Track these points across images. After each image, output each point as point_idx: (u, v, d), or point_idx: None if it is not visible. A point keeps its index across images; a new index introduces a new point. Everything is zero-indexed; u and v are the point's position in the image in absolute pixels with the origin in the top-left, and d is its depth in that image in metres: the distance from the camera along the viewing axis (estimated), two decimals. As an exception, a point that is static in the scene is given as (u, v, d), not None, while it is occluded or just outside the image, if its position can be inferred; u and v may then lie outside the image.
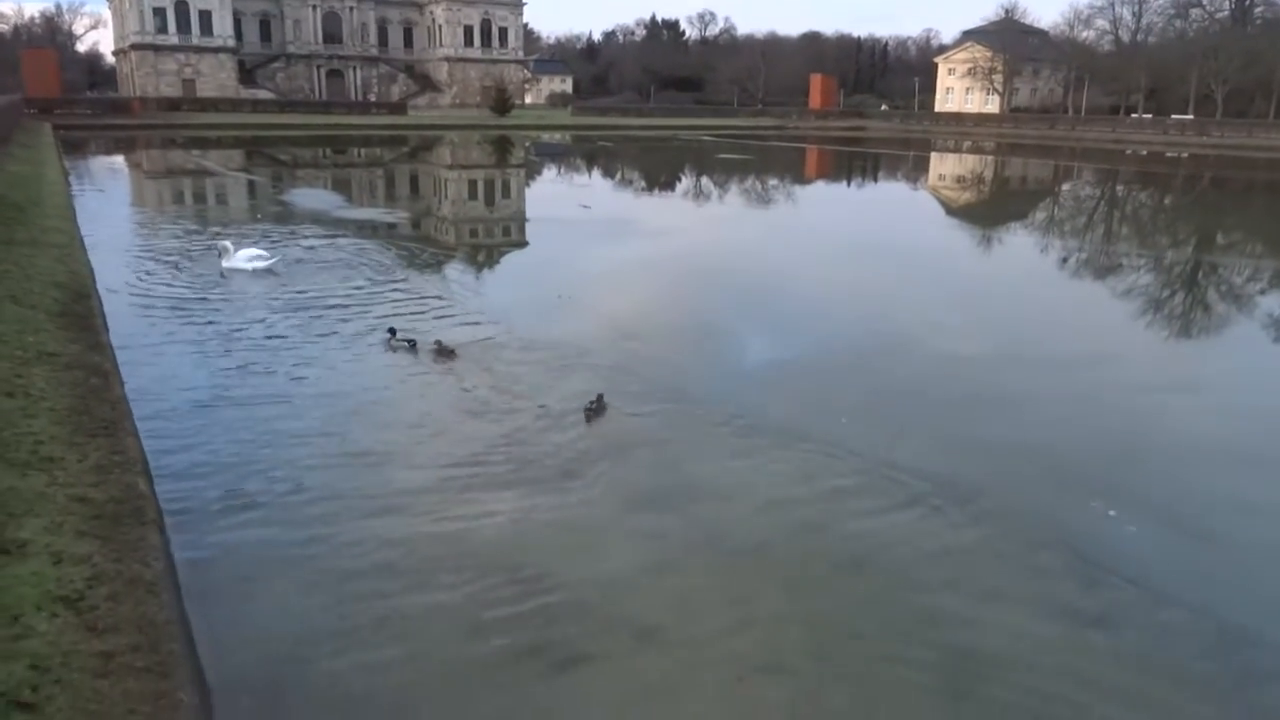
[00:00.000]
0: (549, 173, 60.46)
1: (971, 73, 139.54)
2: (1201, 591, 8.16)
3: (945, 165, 74.87)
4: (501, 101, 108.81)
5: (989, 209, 46.25)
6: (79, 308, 13.58)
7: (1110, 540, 9.17)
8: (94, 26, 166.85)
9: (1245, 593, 8.24)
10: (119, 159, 61.92)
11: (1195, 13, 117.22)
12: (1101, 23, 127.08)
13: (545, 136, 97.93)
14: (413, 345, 14.26)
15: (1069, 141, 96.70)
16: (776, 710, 6.44)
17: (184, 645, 5.99)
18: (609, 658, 7.00)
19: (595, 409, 12.26)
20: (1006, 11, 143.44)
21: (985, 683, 6.83)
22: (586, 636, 7.19)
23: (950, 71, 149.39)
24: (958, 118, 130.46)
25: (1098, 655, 7.24)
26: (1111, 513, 9.83)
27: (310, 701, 6.25)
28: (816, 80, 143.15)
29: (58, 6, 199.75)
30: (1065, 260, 27.83)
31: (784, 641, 7.27)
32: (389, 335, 14.56)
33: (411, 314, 16.79)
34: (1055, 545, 9.02)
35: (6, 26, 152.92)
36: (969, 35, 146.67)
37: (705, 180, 55.73)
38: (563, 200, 41.64)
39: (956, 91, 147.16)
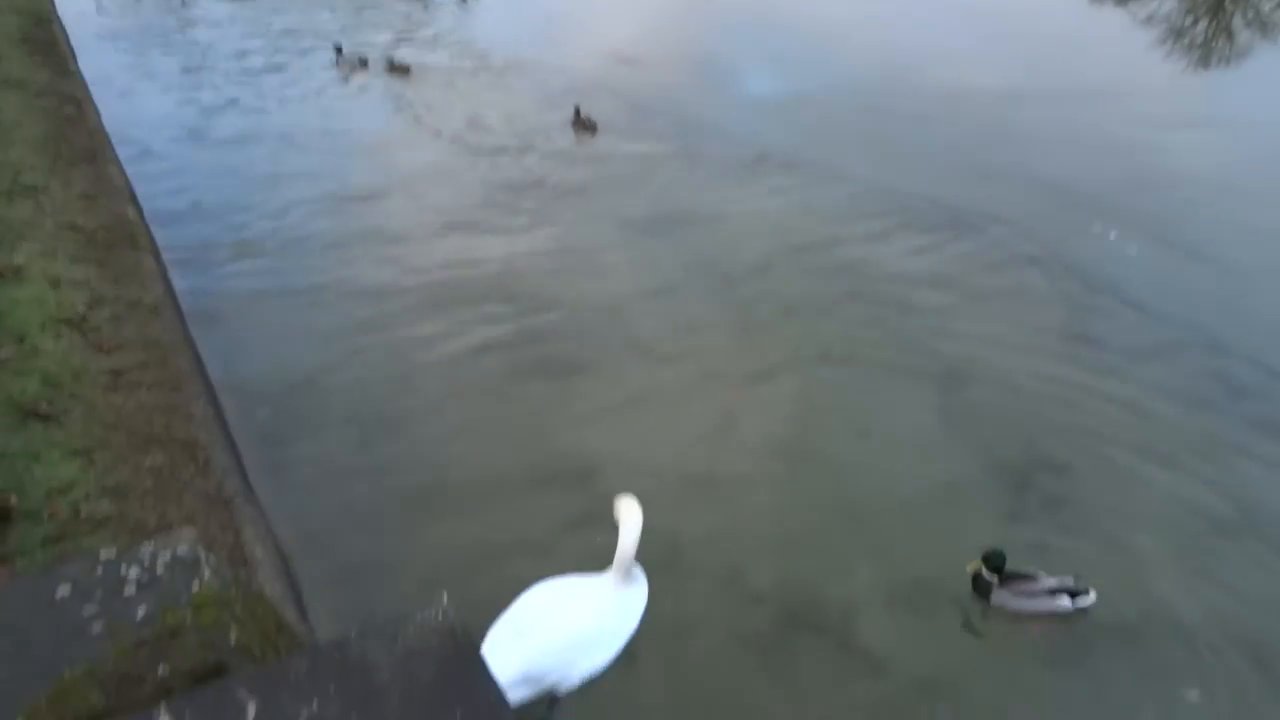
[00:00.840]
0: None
1: None
2: (1195, 310, 8.23)
3: None
4: None
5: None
6: (41, 33, 12.78)
7: (1109, 262, 9.16)
8: None
9: (1237, 312, 8.31)
10: None
11: None
12: None
13: None
14: (364, 63, 13.91)
15: None
16: (767, 408, 6.68)
17: (192, 363, 6.10)
18: (605, 369, 7.17)
19: (581, 124, 11.97)
20: None
21: (975, 390, 7.04)
22: (584, 352, 7.34)
23: None
24: None
25: (1087, 367, 7.41)
26: (1112, 236, 9.76)
27: (323, 414, 6.46)
28: None
29: None
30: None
31: (777, 354, 7.42)
32: (336, 53, 14.09)
33: (394, 38, 15.88)
34: (1054, 265, 9.02)
35: None
36: None
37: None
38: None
39: None
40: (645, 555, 4.99)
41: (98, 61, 13.72)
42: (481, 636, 2.96)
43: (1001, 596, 5.04)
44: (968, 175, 11.03)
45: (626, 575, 4.43)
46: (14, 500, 4.15)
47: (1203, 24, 21.20)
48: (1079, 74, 15.68)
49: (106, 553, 3.11)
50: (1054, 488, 6.08)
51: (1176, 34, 19.78)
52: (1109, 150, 12.12)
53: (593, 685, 4.37)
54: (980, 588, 5.08)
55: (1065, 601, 5.02)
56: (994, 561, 5.00)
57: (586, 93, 13.22)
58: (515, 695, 4.09)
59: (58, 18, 14.86)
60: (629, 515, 4.36)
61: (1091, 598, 5.06)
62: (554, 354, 7.27)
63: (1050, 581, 5.05)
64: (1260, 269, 9.13)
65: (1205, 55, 18.50)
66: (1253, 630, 5.11)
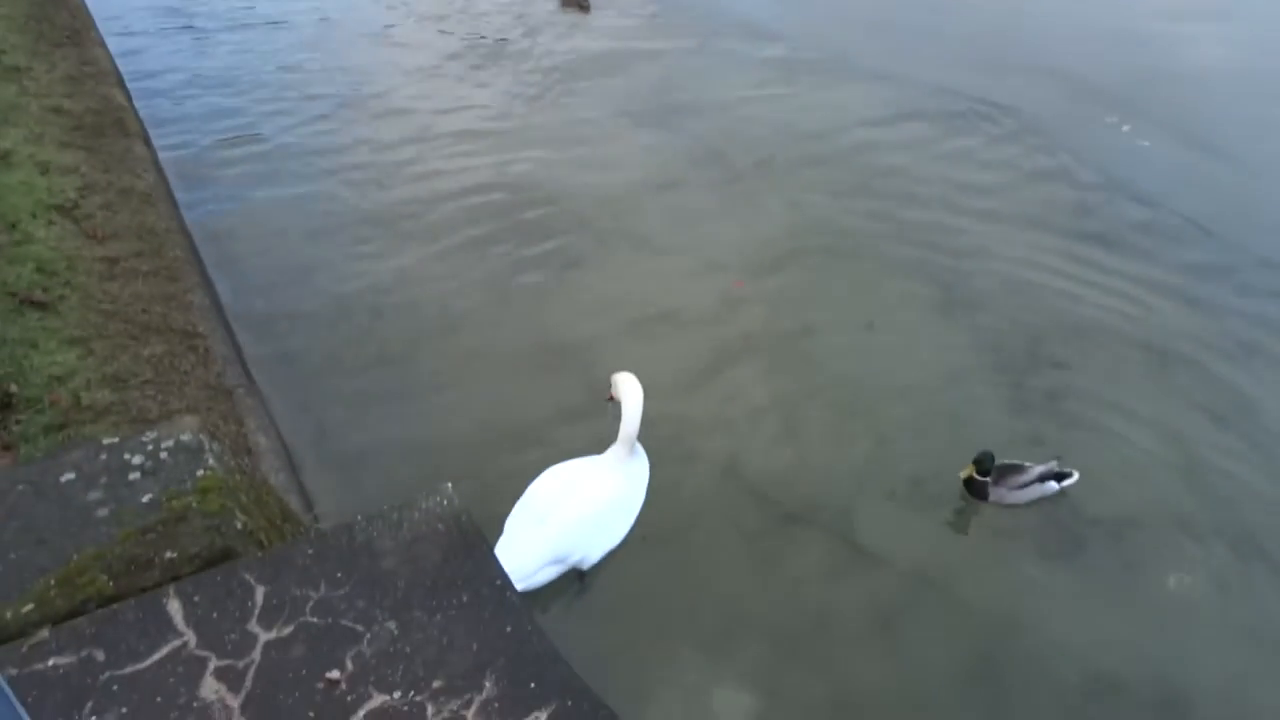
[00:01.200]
0: None
1: None
2: (1205, 205, 8.11)
3: None
4: None
5: None
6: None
7: (1121, 154, 8.98)
8: None
9: (1248, 207, 8.19)
10: None
11: None
12: None
13: None
14: None
15: None
16: (770, 300, 6.64)
17: (188, 252, 6.02)
18: (606, 262, 7.09)
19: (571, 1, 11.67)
20: None
21: (980, 282, 6.98)
22: (584, 244, 7.24)
23: None
24: None
25: (1094, 262, 7.34)
26: (1125, 129, 9.55)
27: (322, 307, 6.41)
28: None
29: None
30: None
31: (781, 246, 7.33)
32: None
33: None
34: (1065, 158, 8.85)
35: None
36: None
37: None
38: None
39: None
40: (646, 445, 5.04)
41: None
42: (487, 523, 3.00)
43: (998, 493, 5.13)
44: (980, 67, 10.72)
45: (630, 450, 4.66)
46: (14, 388, 4.13)
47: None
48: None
49: (110, 440, 3.11)
50: (1055, 381, 6.09)
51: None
52: (1123, 42, 11.77)
53: (614, 564, 4.47)
54: (975, 490, 5.14)
55: (1053, 484, 5.17)
56: (985, 465, 5.05)
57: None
58: (545, 576, 4.30)
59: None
60: (630, 391, 4.56)
61: (1074, 478, 5.22)
62: (554, 247, 7.17)
63: (1038, 469, 5.15)
64: (1272, 164, 8.96)
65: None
66: (1239, 522, 5.19)
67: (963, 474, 5.16)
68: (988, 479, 5.10)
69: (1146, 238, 7.65)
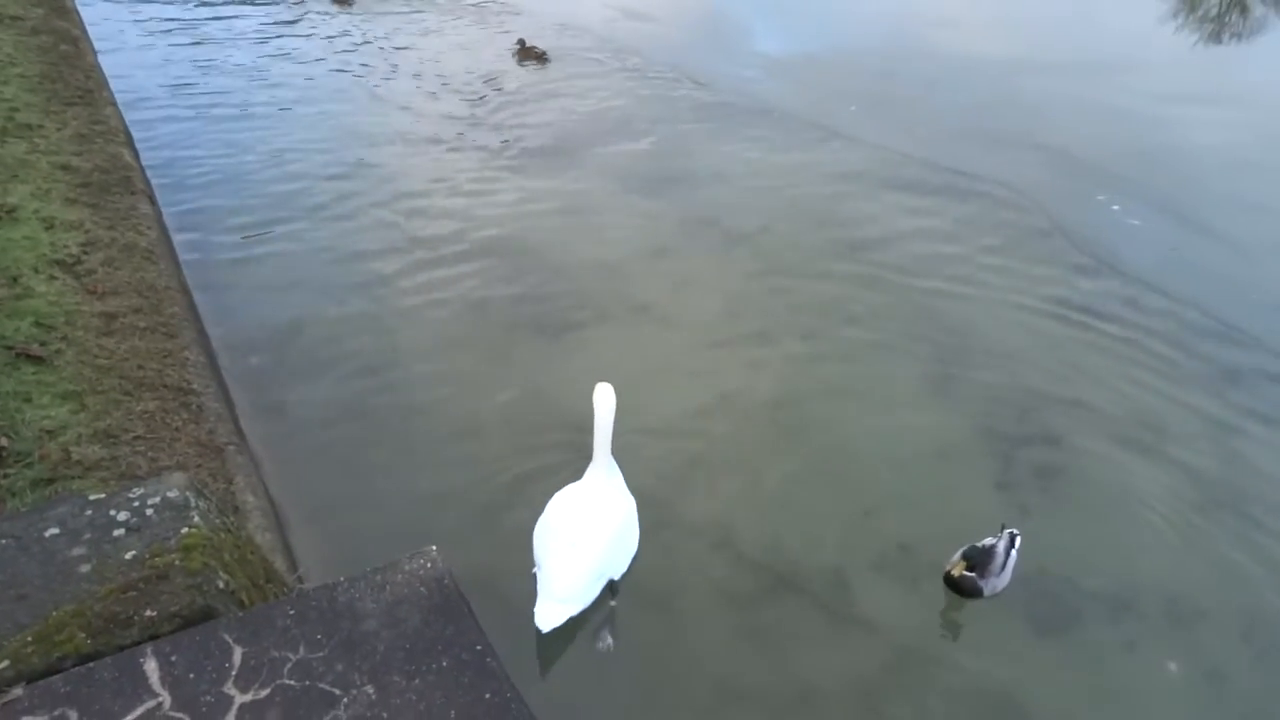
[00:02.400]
0: None
1: None
2: (1197, 286, 8.20)
3: None
4: None
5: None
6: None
7: (1112, 232, 9.11)
8: None
9: (1241, 290, 8.27)
10: None
11: None
12: None
13: None
14: None
15: None
16: (761, 368, 6.67)
17: (186, 309, 6.07)
18: (599, 328, 7.15)
19: (528, 53, 11.93)
20: None
21: (971, 357, 7.04)
22: (578, 311, 7.31)
23: None
24: None
25: (1085, 339, 7.40)
26: (1116, 207, 9.70)
27: (313, 362, 6.44)
28: None
29: None
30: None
31: (773, 315, 7.39)
32: None
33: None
34: (1056, 234, 8.98)
35: None
36: None
37: None
38: None
39: None
40: (637, 506, 5.02)
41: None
42: (472, 587, 2.98)
43: (991, 585, 4.90)
44: (973, 141, 10.94)
45: (608, 462, 4.84)
46: (4, 441, 4.14)
47: (1217, -7, 20.84)
48: (1089, 45, 15.48)
49: (95, 495, 3.11)
50: (1045, 458, 6.10)
51: (1189, 6, 19.49)
52: (1116, 122, 12.01)
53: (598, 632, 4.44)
54: (967, 587, 4.87)
55: (1014, 554, 4.99)
56: (976, 559, 4.81)
57: (589, 45, 13.10)
58: (590, 596, 4.55)
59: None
60: (602, 400, 4.70)
61: (1019, 539, 5.05)
62: (547, 311, 7.23)
63: (1000, 543, 4.92)
64: (1267, 247, 9.09)
65: (1218, 30, 18.25)
66: (1237, 604, 5.16)
67: (955, 572, 4.84)
68: (974, 574, 4.84)
69: (1136, 315, 7.73)
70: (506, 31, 13.79)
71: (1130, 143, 11.29)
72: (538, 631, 4.30)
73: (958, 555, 4.92)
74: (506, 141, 10.25)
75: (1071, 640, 4.90)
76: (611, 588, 4.74)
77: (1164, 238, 9.11)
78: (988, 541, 4.93)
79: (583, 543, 4.46)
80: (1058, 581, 5.20)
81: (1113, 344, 7.35)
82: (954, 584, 4.90)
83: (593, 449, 4.76)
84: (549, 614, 4.28)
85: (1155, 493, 5.88)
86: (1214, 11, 19.45)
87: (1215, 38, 17.69)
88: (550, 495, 4.82)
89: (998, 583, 4.93)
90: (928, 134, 11.04)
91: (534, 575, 4.55)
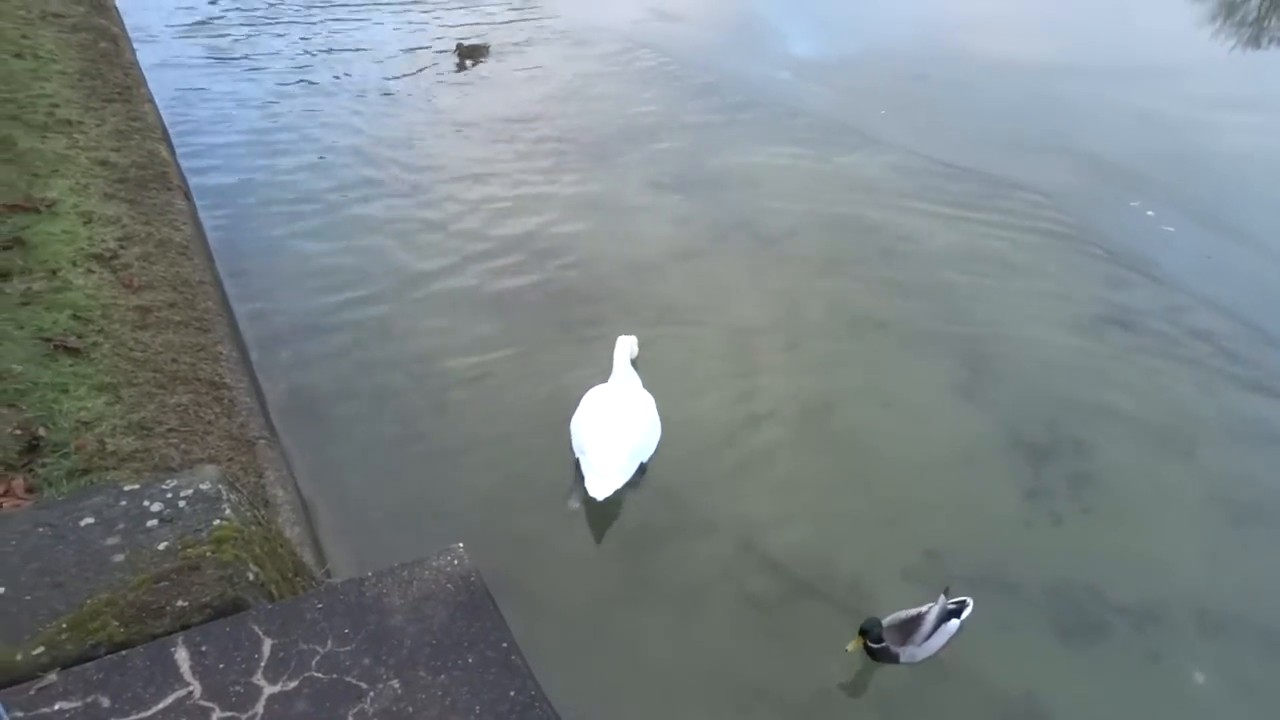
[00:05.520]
0: None
1: None
2: (1231, 292, 8.08)
3: None
4: None
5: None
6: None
7: (1145, 238, 9.00)
8: None
9: (1274, 294, 8.16)
10: None
11: None
12: None
13: None
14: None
15: None
16: (790, 373, 6.66)
17: (219, 304, 6.15)
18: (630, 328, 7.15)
19: (466, 52, 12.02)
20: None
21: (1001, 362, 6.98)
22: (609, 310, 7.33)
23: None
24: None
25: (1116, 345, 7.32)
26: (1150, 213, 9.58)
27: (344, 358, 6.51)
28: None
29: None
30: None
31: (803, 318, 7.38)
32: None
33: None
34: (1088, 239, 8.88)
35: None
36: None
37: None
38: None
39: None
40: (661, 516, 5.04)
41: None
42: (497, 584, 2.99)
43: (909, 653, 4.59)
44: (1005, 145, 10.84)
45: (629, 370, 5.80)
46: (42, 431, 4.21)
47: (1255, 0, 20.48)
48: (1125, 48, 15.28)
49: (131, 486, 3.16)
50: (1074, 465, 6.04)
51: (1228, 10, 19.16)
52: (1151, 127, 11.85)
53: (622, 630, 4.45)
54: (881, 655, 4.59)
55: (954, 623, 4.67)
56: (875, 632, 4.49)
57: (620, 47, 13.12)
58: (630, 471, 5.36)
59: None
60: (621, 342, 5.86)
61: (969, 607, 4.75)
62: (576, 311, 7.26)
63: (934, 611, 4.61)
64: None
65: (1256, 34, 17.93)
66: (1268, 616, 5.08)
67: (850, 647, 4.53)
68: (885, 644, 4.54)
69: (1169, 321, 7.63)
70: (542, 26, 13.86)
71: (1164, 148, 11.14)
72: (591, 501, 5.21)
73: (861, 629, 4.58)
74: (538, 141, 10.28)
75: (1098, 650, 4.85)
76: (642, 468, 5.56)
77: (1198, 244, 8.98)
78: (915, 611, 4.63)
79: (622, 431, 5.32)
80: (1085, 591, 5.15)
81: (1144, 351, 7.27)
82: (868, 651, 4.60)
83: (617, 362, 5.78)
84: (600, 486, 5.14)
85: (1187, 503, 5.80)
86: (1253, 15, 19.12)
87: (1254, 42, 17.38)
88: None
89: (918, 651, 4.59)
90: (959, 137, 10.95)
91: (576, 461, 5.47)
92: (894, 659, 4.57)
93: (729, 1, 16.68)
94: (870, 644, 4.51)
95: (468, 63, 12.36)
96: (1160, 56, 15.03)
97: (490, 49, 12.67)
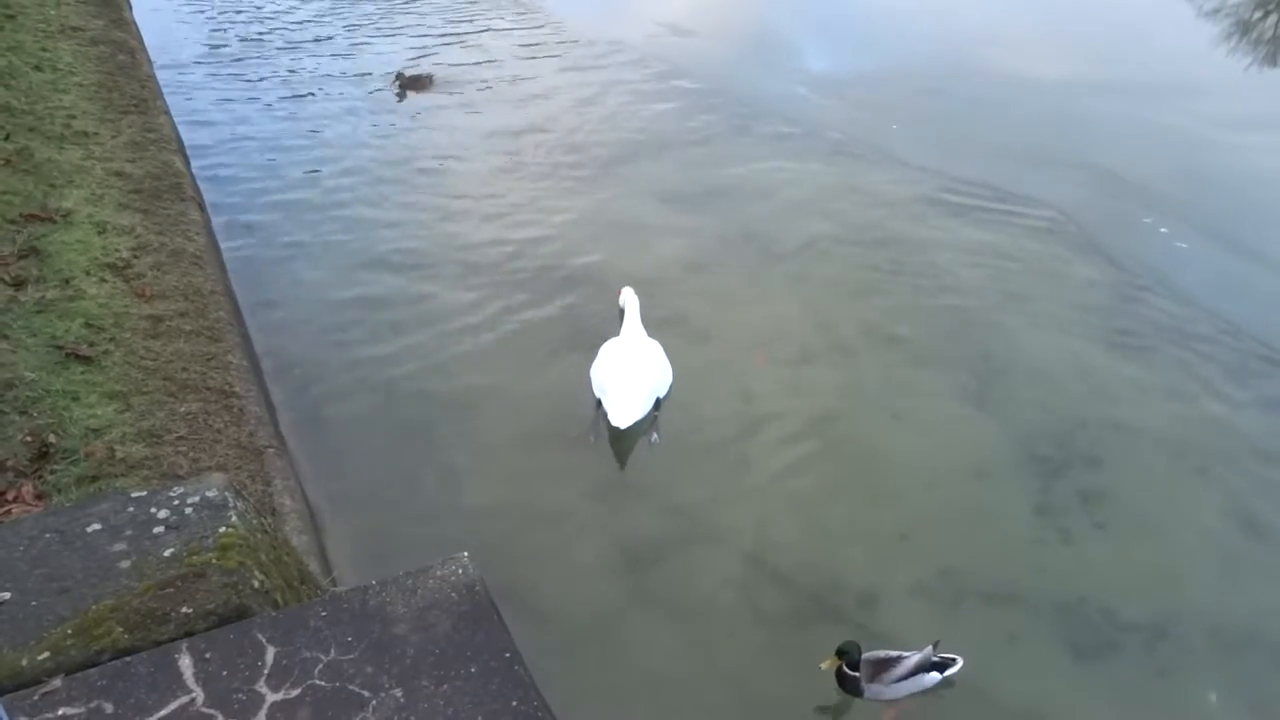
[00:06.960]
0: None
1: None
2: (1245, 310, 8.02)
3: None
4: None
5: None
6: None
7: (1159, 255, 8.95)
8: None
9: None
10: None
11: None
12: None
13: None
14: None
15: None
16: (801, 387, 6.64)
17: (231, 313, 6.18)
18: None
19: (408, 83, 11.82)
20: None
21: (1013, 378, 6.95)
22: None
23: None
24: None
25: (1130, 361, 7.27)
26: (1163, 230, 9.53)
27: (354, 370, 6.53)
28: None
29: None
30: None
31: (814, 332, 7.36)
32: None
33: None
34: (1102, 256, 8.84)
35: None
36: None
37: None
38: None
39: None
40: (669, 529, 5.02)
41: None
42: (502, 594, 3.01)
43: (874, 690, 4.49)
44: (1018, 160, 10.80)
45: (637, 323, 6.52)
46: (52, 438, 4.24)
47: (1272, 19, 20.36)
48: (1141, 66, 15.22)
49: (138, 493, 3.17)
50: (1086, 482, 5.99)
51: (1244, 28, 19.08)
52: (1165, 144, 11.80)
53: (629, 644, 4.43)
54: (848, 685, 4.49)
55: (934, 675, 4.54)
56: (851, 656, 4.40)
57: (636, 65, 13.16)
58: (648, 405, 6.10)
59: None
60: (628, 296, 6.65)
61: (958, 665, 4.58)
62: (585, 322, 7.26)
63: (914, 658, 4.49)
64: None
65: (1273, 52, 17.85)
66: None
67: (824, 665, 4.46)
68: (858, 674, 4.44)
69: (1182, 339, 7.58)
70: (561, 43, 13.93)
71: (1179, 165, 11.09)
72: (615, 430, 5.91)
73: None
74: (550, 154, 10.32)
75: (1110, 667, 4.80)
76: (657, 403, 6.24)
77: (1212, 262, 8.93)
78: (897, 653, 4.53)
79: (642, 372, 6.11)
80: (1096, 608, 5.10)
81: (1157, 368, 7.22)
82: (838, 677, 4.53)
83: (627, 320, 6.50)
84: (622, 416, 5.83)
85: (1199, 520, 5.75)
86: (1269, 33, 19.04)
87: (1270, 60, 17.31)
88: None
89: (884, 690, 4.49)
90: (972, 153, 10.93)
91: (598, 401, 6.12)
92: (859, 693, 4.47)
93: (745, 18, 16.73)
94: (845, 667, 4.43)
95: (409, 94, 11.92)
96: (1176, 74, 14.97)
97: (434, 79, 12.16)
